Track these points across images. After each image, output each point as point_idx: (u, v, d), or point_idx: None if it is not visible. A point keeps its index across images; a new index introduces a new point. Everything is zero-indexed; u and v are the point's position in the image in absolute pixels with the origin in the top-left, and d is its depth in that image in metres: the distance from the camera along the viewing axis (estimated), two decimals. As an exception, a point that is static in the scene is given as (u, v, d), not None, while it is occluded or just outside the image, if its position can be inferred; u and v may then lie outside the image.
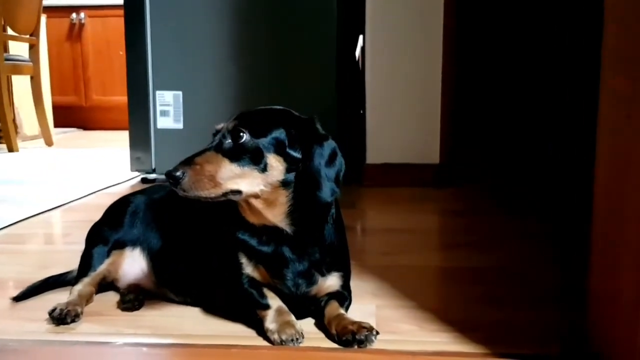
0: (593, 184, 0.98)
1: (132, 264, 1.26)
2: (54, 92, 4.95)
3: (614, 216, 0.92)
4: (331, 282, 1.12)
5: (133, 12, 2.72)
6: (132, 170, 2.82)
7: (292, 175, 1.05)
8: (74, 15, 5.59)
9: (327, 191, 1.04)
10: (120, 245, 1.26)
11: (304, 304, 1.11)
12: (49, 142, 4.32)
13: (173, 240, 1.24)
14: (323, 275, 1.10)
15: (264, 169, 1.02)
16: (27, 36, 4.13)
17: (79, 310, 1.14)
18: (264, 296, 1.07)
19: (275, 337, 1.02)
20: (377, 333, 1.02)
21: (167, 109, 2.71)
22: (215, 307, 1.18)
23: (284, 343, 1.00)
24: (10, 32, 4.01)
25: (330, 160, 1.06)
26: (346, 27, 2.73)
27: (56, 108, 4.98)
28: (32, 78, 4.23)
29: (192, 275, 1.20)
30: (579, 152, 2.41)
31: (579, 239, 1.47)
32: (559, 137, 2.70)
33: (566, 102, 2.68)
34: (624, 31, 0.89)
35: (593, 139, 0.97)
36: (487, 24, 2.73)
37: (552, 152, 2.71)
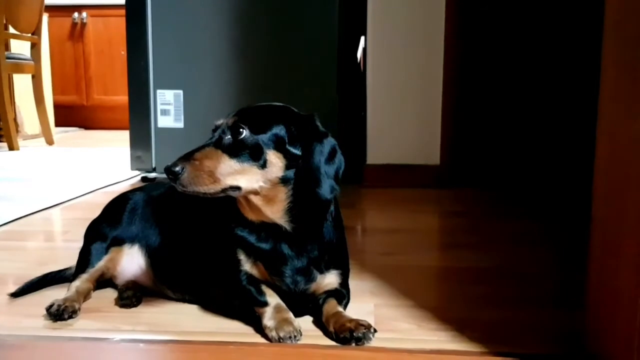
0: (592, 185, 0.98)
1: (131, 261, 1.26)
2: (55, 91, 4.96)
3: (613, 218, 0.91)
4: (330, 279, 1.12)
5: (134, 11, 2.72)
6: (132, 169, 2.81)
7: (291, 172, 1.04)
8: (75, 14, 5.60)
9: (326, 188, 1.03)
10: (119, 242, 1.26)
11: (303, 302, 1.11)
12: (49, 141, 4.32)
13: (172, 238, 1.24)
14: (322, 272, 1.10)
15: (263, 166, 1.02)
16: (29, 35, 4.14)
17: (77, 306, 1.14)
18: (262, 293, 1.07)
19: (273, 334, 1.01)
20: (375, 331, 1.02)
21: (168, 108, 2.72)
22: (214, 304, 1.17)
23: (282, 340, 1.00)
24: (12, 30, 4.01)
25: (330, 158, 1.05)
26: (348, 28, 2.73)
27: (57, 107, 4.99)
28: (33, 77, 4.23)
29: (190, 272, 1.20)
30: (579, 154, 2.40)
31: (578, 240, 1.47)
32: (559, 138, 2.70)
33: (567, 103, 2.68)
34: (623, 31, 0.89)
35: (593, 140, 0.97)
36: (489, 25, 2.73)
37: (552, 153, 2.71)
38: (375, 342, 1.01)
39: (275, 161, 1.03)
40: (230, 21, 2.69)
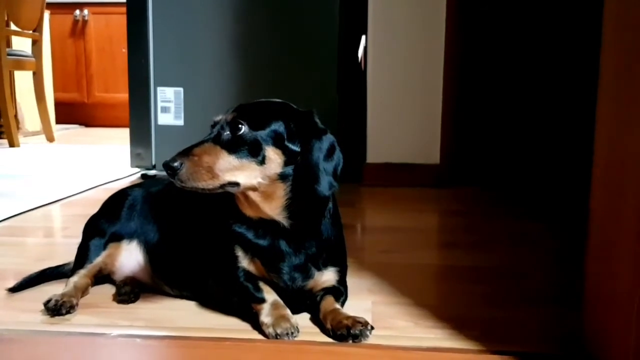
0: (590, 186, 0.98)
1: (129, 257, 1.26)
2: (56, 88, 4.96)
3: (610, 218, 0.91)
4: (327, 276, 1.12)
5: (135, 9, 2.73)
6: (132, 166, 2.82)
7: (290, 169, 1.04)
8: (77, 12, 5.60)
9: (325, 185, 1.03)
10: (117, 237, 1.26)
11: (300, 298, 1.11)
12: (50, 138, 4.33)
13: (170, 234, 1.24)
14: (319, 269, 1.10)
15: (262, 162, 1.02)
16: (30, 32, 4.14)
17: (74, 301, 1.14)
18: (259, 290, 1.07)
19: (270, 330, 1.01)
20: (372, 328, 1.02)
21: (168, 106, 2.72)
22: (211, 301, 1.17)
23: (279, 337, 1.00)
24: (13, 27, 4.02)
25: (329, 154, 1.05)
26: (348, 27, 2.73)
27: (58, 104, 4.99)
28: (34, 74, 4.24)
29: (188, 269, 1.20)
30: (578, 153, 2.40)
31: (577, 240, 1.47)
32: (558, 138, 2.70)
33: (566, 103, 2.68)
34: (622, 30, 0.89)
35: (592, 139, 0.97)
36: (489, 25, 2.73)
37: (551, 153, 2.71)
38: (372, 339, 1.01)
39: (274, 157, 1.03)
40: (231, 19, 2.69)
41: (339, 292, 1.13)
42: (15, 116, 4.22)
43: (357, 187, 2.60)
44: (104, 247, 1.25)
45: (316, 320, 1.09)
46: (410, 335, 1.06)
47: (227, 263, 1.10)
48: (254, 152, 1.02)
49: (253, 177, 1.02)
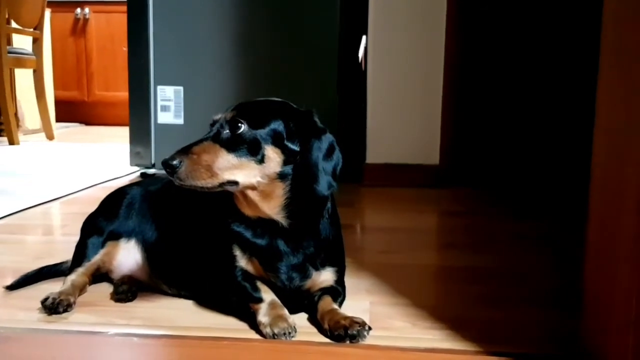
0: (589, 186, 0.98)
1: (127, 256, 1.25)
2: (56, 86, 4.96)
3: (611, 219, 0.91)
4: (325, 277, 1.11)
5: (136, 8, 2.73)
6: (131, 164, 2.82)
7: (289, 168, 1.04)
8: (78, 10, 5.60)
9: (324, 185, 1.03)
10: (115, 236, 1.26)
11: (298, 298, 1.10)
12: (50, 136, 4.32)
13: (168, 233, 1.24)
14: (317, 269, 1.10)
15: (261, 161, 1.02)
16: (31, 30, 4.14)
17: (72, 300, 1.13)
18: (257, 289, 1.07)
19: (268, 330, 1.01)
20: (370, 328, 1.01)
21: (168, 104, 2.72)
22: (209, 300, 1.17)
23: (276, 336, 1.00)
24: (14, 25, 4.02)
25: (328, 154, 1.05)
26: (349, 27, 2.73)
27: (58, 103, 4.99)
28: (34, 72, 4.24)
29: (186, 268, 1.19)
30: (577, 154, 2.40)
31: (576, 240, 1.46)
32: (558, 138, 2.70)
33: (565, 104, 2.67)
34: (622, 30, 0.88)
35: (591, 140, 0.97)
36: (490, 25, 2.73)
37: (551, 154, 2.71)
38: (369, 339, 1.00)
39: (273, 156, 1.03)
40: (231, 19, 2.69)
41: (337, 292, 1.12)
42: (16, 114, 4.21)
43: (356, 187, 2.60)
44: (102, 245, 1.25)
45: (314, 320, 1.08)
46: (408, 335, 1.05)
47: (225, 262, 1.10)
48: (253, 150, 1.01)
49: (252, 176, 1.02)
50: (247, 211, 1.07)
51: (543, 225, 2.00)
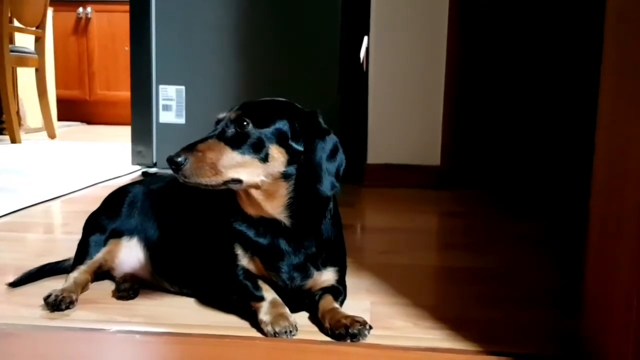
0: (591, 187, 0.98)
1: (129, 254, 1.26)
2: (58, 85, 4.97)
3: (611, 219, 0.91)
4: (326, 276, 1.12)
5: (138, 7, 2.74)
6: (133, 164, 2.82)
7: (293, 168, 1.05)
8: (80, 9, 5.61)
9: (327, 185, 1.04)
10: (118, 234, 1.26)
11: (299, 297, 1.11)
12: (51, 135, 4.33)
13: (170, 231, 1.24)
14: (318, 269, 1.10)
15: (265, 159, 1.02)
16: (34, 29, 4.15)
17: (74, 297, 1.14)
18: (258, 288, 1.07)
19: (269, 328, 1.01)
20: (371, 328, 1.02)
21: (170, 104, 2.72)
22: (210, 298, 1.17)
23: (277, 335, 1.00)
24: (16, 24, 4.02)
25: (332, 155, 1.06)
26: (351, 28, 2.73)
27: (60, 101, 4.99)
28: (37, 70, 4.24)
29: (188, 266, 1.20)
30: (578, 155, 2.41)
31: (576, 241, 1.47)
32: (559, 140, 2.70)
33: (566, 105, 2.68)
34: (624, 30, 0.89)
35: (592, 141, 0.97)
36: (491, 27, 2.73)
37: (552, 155, 2.71)
38: (370, 339, 1.01)
39: (277, 156, 1.03)
40: (234, 19, 2.70)
41: (338, 291, 1.13)
42: (17, 113, 4.22)
43: (357, 187, 2.60)
44: (104, 243, 1.25)
45: (315, 319, 1.09)
46: (408, 335, 1.06)
47: (226, 261, 1.10)
48: (258, 149, 1.02)
49: (256, 174, 1.02)
50: (250, 210, 1.08)
51: (543, 226, 2.00)
